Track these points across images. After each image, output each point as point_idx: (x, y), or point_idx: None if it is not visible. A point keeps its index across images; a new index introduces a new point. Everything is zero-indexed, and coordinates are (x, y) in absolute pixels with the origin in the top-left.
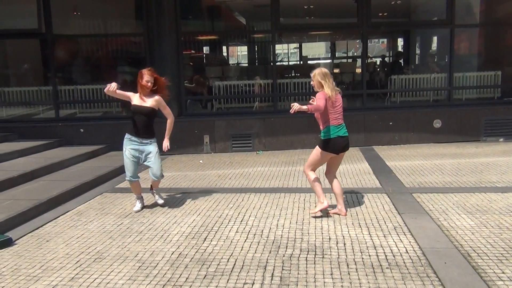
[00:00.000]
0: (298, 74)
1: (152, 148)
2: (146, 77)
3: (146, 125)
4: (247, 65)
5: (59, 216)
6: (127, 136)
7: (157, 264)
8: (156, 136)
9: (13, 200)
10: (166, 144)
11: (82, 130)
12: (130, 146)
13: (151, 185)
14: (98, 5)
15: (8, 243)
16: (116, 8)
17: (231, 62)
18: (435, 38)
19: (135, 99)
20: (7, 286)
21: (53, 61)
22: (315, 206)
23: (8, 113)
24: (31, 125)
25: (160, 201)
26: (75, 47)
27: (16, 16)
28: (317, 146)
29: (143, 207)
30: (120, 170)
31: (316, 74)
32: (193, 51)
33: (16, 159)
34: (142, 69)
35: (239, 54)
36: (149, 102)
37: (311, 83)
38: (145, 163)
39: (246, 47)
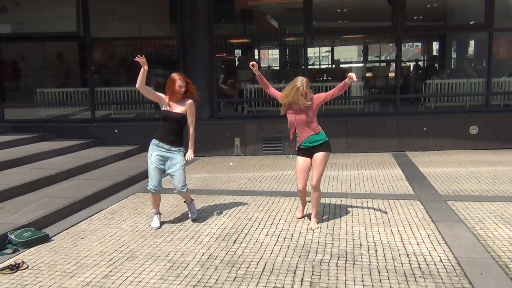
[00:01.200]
0: (330, 78)
1: (179, 157)
2: (179, 82)
3: (176, 132)
4: (278, 68)
5: (93, 214)
6: (154, 141)
7: (188, 264)
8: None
9: (50, 198)
10: (190, 155)
11: (116, 131)
12: (156, 152)
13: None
14: (134, 9)
15: (46, 239)
16: (151, 11)
17: (262, 65)
18: (472, 42)
19: (165, 104)
20: (44, 281)
21: (90, 63)
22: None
23: (47, 114)
24: (68, 125)
25: (192, 216)
26: (111, 50)
27: (56, 20)
28: (326, 152)
29: (161, 223)
30: None
31: (305, 83)
32: (225, 54)
33: (54, 158)
34: (172, 74)
35: (270, 57)
36: (180, 108)
37: (303, 89)
38: (168, 171)
39: (277, 50)
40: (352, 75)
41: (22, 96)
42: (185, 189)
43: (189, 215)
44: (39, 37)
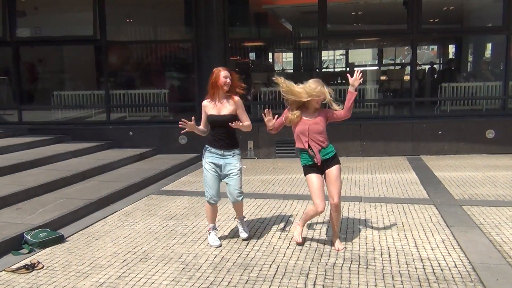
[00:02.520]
0: (344, 81)
1: (235, 161)
2: (224, 72)
3: (227, 135)
4: (292, 71)
5: (107, 216)
6: (206, 147)
7: (200, 266)
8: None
9: (65, 199)
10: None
11: (131, 133)
12: (209, 159)
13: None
14: (149, 13)
15: (61, 239)
16: (166, 15)
17: (276, 68)
18: (489, 45)
19: (209, 108)
20: (58, 281)
21: (106, 66)
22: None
23: (64, 116)
24: (84, 127)
25: (244, 235)
26: (127, 53)
27: (73, 24)
28: (337, 166)
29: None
30: (166, 173)
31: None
32: (239, 57)
33: (69, 160)
34: (214, 69)
35: (284, 60)
36: (227, 108)
37: (320, 97)
38: (224, 180)
39: (291, 53)
40: (354, 80)
41: (39, 98)
42: (241, 197)
43: (240, 234)
44: (56, 41)
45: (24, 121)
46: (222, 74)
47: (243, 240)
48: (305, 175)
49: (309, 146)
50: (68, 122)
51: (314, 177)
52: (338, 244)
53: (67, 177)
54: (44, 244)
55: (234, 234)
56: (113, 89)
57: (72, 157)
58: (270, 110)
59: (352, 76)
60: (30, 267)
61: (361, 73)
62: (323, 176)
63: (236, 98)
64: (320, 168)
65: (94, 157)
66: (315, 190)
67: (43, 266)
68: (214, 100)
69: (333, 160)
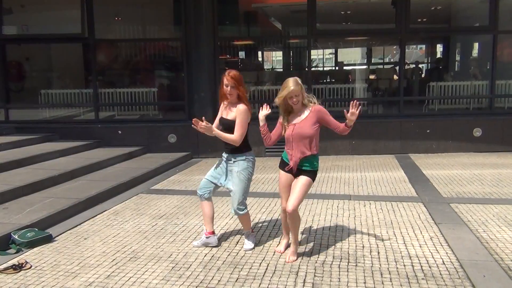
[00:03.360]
0: (334, 80)
1: (236, 169)
2: (225, 80)
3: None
4: (282, 70)
5: (96, 215)
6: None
7: (190, 265)
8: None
9: (53, 198)
10: (206, 124)
11: (120, 132)
12: (220, 159)
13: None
14: (138, 11)
15: (49, 239)
16: (155, 14)
17: (266, 67)
18: (476, 45)
19: (223, 109)
20: (46, 281)
21: (94, 64)
22: (293, 253)
23: (51, 115)
24: (72, 126)
25: (247, 246)
26: (115, 52)
27: (61, 22)
28: (308, 178)
29: (217, 243)
30: (155, 172)
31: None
32: (228, 56)
33: (57, 159)
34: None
35: (274, 59)
36: (232, 113)
37: (296, 98)
38: (227, 185)
39: (281, 52)
40: (352, 115)
41: (27, 97)
42: (241, 211)
43: (244, 246)
44: (43, 39)
45: (11, 119)
46: (224, 82)
47: (245, 251)
48: (279, 167)
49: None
50: (56, 121)
51: (282, 175)
52: (290, 255)
53: (55, 176)
54: (32, 244)
55: (224, 232)
56: (102, 88)
57: (60, 156)
58: (267, 104)
59: (348, 111)
60: (18, 267)
61: (359, 106)
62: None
63: (240, 105)
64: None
65: (82, 156)
66: (280, 189)
67: (31, 266)
68: (226, 104)
69: (308, 173)
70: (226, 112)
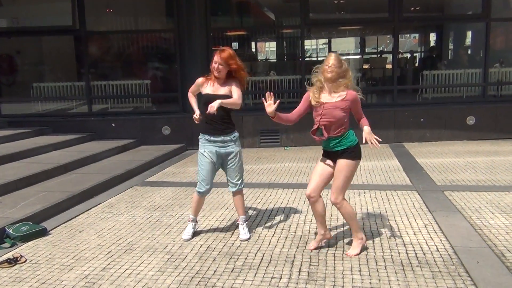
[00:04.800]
0: None
1: (235, 148)
2: (215, 57)
3: (222, 118)
4: (275, 60)
5: (91, 208)
6: (202, 136)
7: (186, 256)
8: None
9: (48, 192)
10: (215, 105)
11: (113, 125)
12: (208, 148)
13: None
14: (130, 2)
15: (43, 233)
16: (147, 5)
17: (259, 57)
18: (469, 33)
19: (207, 86)
20: (42, 274)
21: (86, 57)
22: (353, 247)
23: (44, 108)
24: (65, 119)
25: (243, 236)
26: (107, 44)
27: (51, 14)
28: (350, 160)
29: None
30: (150, 164)
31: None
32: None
33: (51, 152)
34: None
35: (267, 49)
36: (223, 89)
37: (331, 74)
38: (223, 167)
39: (274, 42)
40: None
41: (18, 90)
42: (243, 185)
43: (241, 237)
44: (34, 31)
45: (3, 114)
46: (215, 59)
47: (241, 241)
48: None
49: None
50: (48, 114)
51: (319, 163)
52: (354, 248)
53: (49, 170)
54: (26, 238)
55: (219, 223)
56: (94, 80)
57: (53, 149)
58: (271, 92)
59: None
60: (13, 261)
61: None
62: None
63: (234, 84)
64: (332, 157)
65: (76, 150)
66: (311, 174)
67: (26, 260)
68: (213, 80)
69: (344, 153)
70: (215, 88)
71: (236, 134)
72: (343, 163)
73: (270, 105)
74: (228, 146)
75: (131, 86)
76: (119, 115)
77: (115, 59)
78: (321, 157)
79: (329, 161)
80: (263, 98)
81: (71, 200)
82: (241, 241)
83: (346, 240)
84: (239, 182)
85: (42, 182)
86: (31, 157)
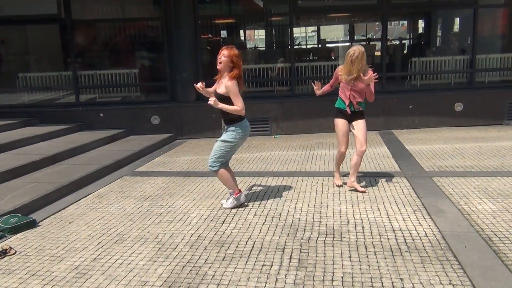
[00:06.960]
0: (316, 58)
1: (225, 135)
2: (219, 54)
3: (221, 112)
4: (264, 49)
5: (80, 199)
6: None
7: (177, 245)
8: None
9: (36, 183)
10: (212, 99)
11: (102, 115)
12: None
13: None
14: None
15: (33, 224)
16: None
17: (248, 46)
18: (457, 20)
19: (217, 82)
20: (32, 266)
21: (72, 46)
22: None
23: (30, 98)
24: (52, 110)
25: (225, 205)
26: (94, 32)
27: (35, 2)
28: (364, 119)
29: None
30: (139, 154)
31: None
32: (210, 35)
33: (38, 143)
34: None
35: (256, 38)
36: (222, 87)
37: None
38: None
39: (263, 30)
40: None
41: (4, 81)
42: (213, 168)
43: (223, 203)
44: (19, 20)
45: None
46: (219, 55)
47: (223, 207)
48: (336, 117)
49: (350, 102)
50: (35, 105)
51: (341, 123)
52: (354, 184)
53: (37, 161)
54: (15, 230)
55: (210, 212)
56: (81, 70)
57: (40, 140)
58: (319, 82)
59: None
60: (2, 253)
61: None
62: (350, 125)
63: (229, 82)
64: (349, 117)
65: (64, 140)
66: (340, 136)
67: (15, 252)
68: (219, 78)
69: (362, 114)
70: (218, 85)
71: (233, 128)
72: (363, 122)
73: (318, 89)
74: (224, 133)
75: (119, 75)
76: (107, 105)
77: (102, 48)
78: (339, 120)
79: (345, 122)
80: (312, 83)
81: (60, 191)
82: (224, 208)
83: (336, 227)
84: (210, 160)
85: (30, 173)
86: (18, 148)
